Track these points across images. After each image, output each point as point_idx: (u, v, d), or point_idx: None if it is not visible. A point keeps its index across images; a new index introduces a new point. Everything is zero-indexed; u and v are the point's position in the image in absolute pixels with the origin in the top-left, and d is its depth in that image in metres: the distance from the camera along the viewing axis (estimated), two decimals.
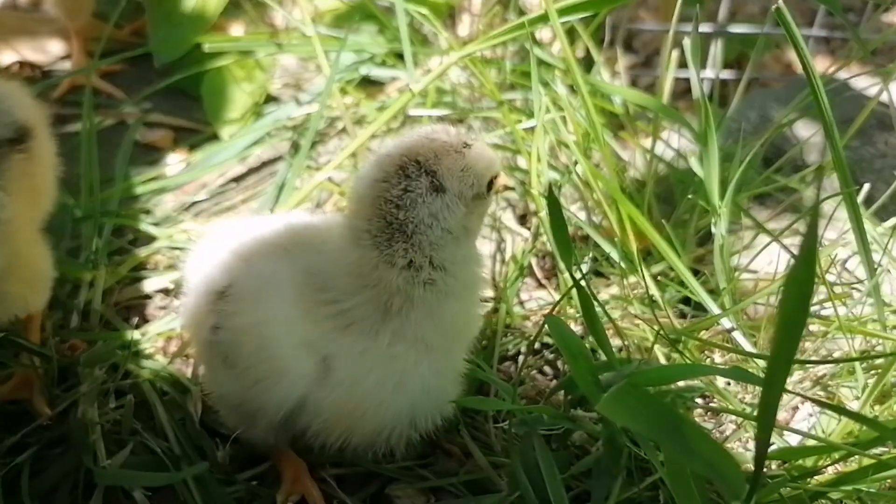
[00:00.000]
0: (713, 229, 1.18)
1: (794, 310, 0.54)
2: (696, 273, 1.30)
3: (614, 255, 1.26)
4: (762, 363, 1.07)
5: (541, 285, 1.40)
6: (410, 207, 0.90)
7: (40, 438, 1.08)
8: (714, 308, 1.13)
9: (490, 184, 0.97)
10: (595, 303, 0.96)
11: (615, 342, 1.24)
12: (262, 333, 0.95)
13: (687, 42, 1.22)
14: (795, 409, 1.15)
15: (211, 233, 1.14)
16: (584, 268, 1.32)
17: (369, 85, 1.73)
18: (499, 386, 1.13)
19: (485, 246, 1.46)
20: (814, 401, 0.98)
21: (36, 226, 1.15)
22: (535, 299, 1.38)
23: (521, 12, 1.69)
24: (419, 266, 0.92)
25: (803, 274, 0.52)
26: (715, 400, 1.15)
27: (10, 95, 1.11)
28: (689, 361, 1.11)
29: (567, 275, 1.23)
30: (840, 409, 0.91)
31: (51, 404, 1.11)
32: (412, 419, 0.98)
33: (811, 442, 1.00)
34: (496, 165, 0.98)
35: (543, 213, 1.23)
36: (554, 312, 1.27)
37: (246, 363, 0.95)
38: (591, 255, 1.35)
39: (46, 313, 1.20)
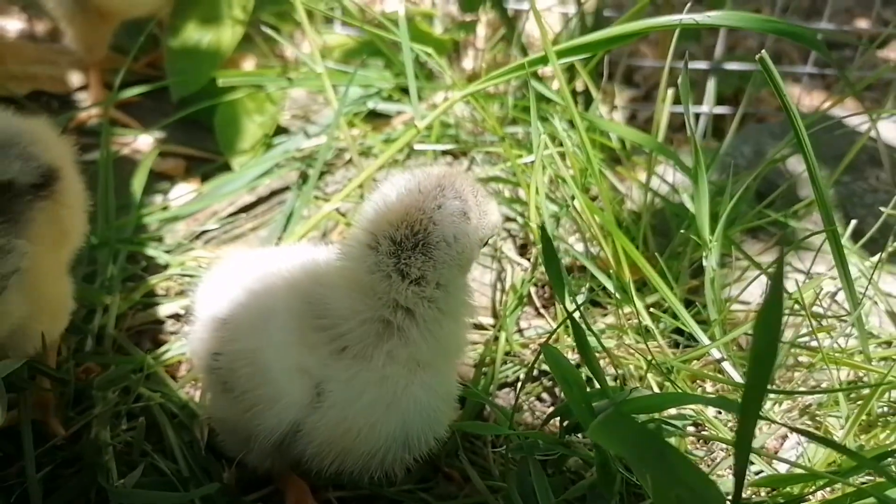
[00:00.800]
0: (704, 262, 1.22)
1: (765, 343, 0.58)
2: (689, 304, 1.34)
3: (610, 286, 1.30)
4: None
5: (539, 314, 1.44)
6: (440, 223, 0.94)
7: (54, 458, 1.11)
8: (704, 339, 1.17)
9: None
10: (589, 332, 1.01)
11: (611, 370, 1.28)
12: (257, 359, 0.98)
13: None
14: (784, 437, 1.18)
15: (220, 263, 1.18)
16: (581, 298, 1.36)
17: (376, 118, 1.78)
18: (496, 412, 1.17)
19: (485, 275, 1.50)
20: (798, 430, 1.01)
21: (63, 265, 1.14)
22: (534, 327, 1.42)
23: (524, 48, 1.74)
24: (427, 282, 0.95)
25: (772, 310, 0.56)
26: (707, 428, 1.19)
27: (36, 135, 1.08)
28: (679, 390, 1.15)
29: (562, 307, 1.27)
30: (822, 439, 0.95)
31: (65, 426, 1.14)
32: (405, 440, 0.99)
33: (798, 471, 1.04)
34: (498, 227, 1.03)
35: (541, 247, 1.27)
36: (551, 341, 1.31)
37: (242, 388, 0.98)
38: (587, 285, 1.39)
39: (63, 336, 1.24)
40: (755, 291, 1.34)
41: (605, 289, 1.38)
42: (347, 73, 1.73)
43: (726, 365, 1.13)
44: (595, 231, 1.27)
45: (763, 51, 1.00)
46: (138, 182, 1.58)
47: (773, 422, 1.09)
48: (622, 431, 0.75)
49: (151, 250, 1.46)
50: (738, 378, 1.14)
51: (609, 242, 1.29)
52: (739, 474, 0.70)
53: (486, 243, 1.01)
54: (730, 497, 0.80)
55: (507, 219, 1.58)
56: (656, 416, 1.07)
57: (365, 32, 1.77)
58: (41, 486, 1.07)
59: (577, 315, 0.99)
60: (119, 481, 1.04)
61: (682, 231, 1.28)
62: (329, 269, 1.02)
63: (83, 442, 1.13)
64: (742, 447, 0.67)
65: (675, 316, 1.31)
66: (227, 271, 1.12)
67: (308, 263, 1.06)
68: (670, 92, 1.44)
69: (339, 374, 0.97)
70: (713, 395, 1.18)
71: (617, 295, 1.29)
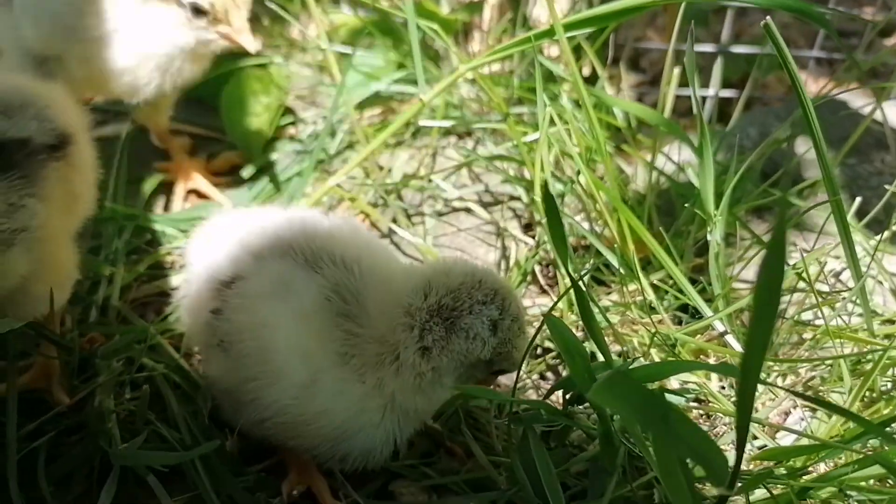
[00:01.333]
0: (709, 237, 1.22)
1: (768, 294, 0.58)
2: (693, 282, 1.34)
3: (614, 261, 1.30)
4: None
5: (543, 292, 1.44)
6: (477, 315, 0.99)
7: (57, 426, 1.12)
8: (707, 311, 1.17)
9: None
10: (593, 305, 1.00)
11: (614, 348, 1.28)
12: (265, 336, 0.99)
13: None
14: (787, 413, 1.18)
15: (214, 220, 1.18)
16: (585, 276, 1.36)
17: (381, 98, 1.78)
18: (493, 397, 1.17)
19: (490, 253, 1.50)
20: (801, 395, 1.01)
21: (70, 232, 1.16)
22: (538, 305, 1.42)
23: (530, 29, 1.73)
24: (430, 357, 0.99)
25: (775, 260, 0.56)
26: (710, 402, 1.19)
27: (52, 99, 1.11)
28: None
29: (566, 281, 1.27)
30: (826, 404, 0.95)
31: (70, 394, 1.15)
32: (367, 455, 1.04)
33: (803, 442, 1.04)
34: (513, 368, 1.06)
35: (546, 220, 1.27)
36: (554, 307, 1.31)
37: (242, 357, 1.00)
38: (591, 261, 1.39)
39: (66, 308, 1.25)
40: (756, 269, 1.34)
41: (608, 266, 1.38)
42: (353, 55, 1.74)
43: (729, 338, 1.13)
44: (601, 206, 1.26)
45: (768, 17, 0.99)
46: (146, 159, 1.58)
47: (776, 387, 1.09)
48: (624, 392, 0.74)
49: (156, 224, 1.46)
50: (740, 349, 1.14)
51: (614, 218, 1.29)
52: (742, 432, 0.70)
53: (492, 371, 1.06)
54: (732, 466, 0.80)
55: (512, 197, 1.58)
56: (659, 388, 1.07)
57: (372, 12, 1.77)
58: (45, 452, 1.08)
59: (580, 286, 0.98)
60: (122, 446, 1.04)
61: (686, 205, 1.28)
62: (371, 263, 1.05)
63: (87, 410, 1.13)
64: (743, 403, 0.67)
65: (679, 293, 1.31)
66: (224, 229, 1.13)
67: (331, 242, 1.07)
68: (676, 71, 1.44)
69: (334, 376, 1.00)
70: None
71: (621, 270, 1.28)
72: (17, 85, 1.11)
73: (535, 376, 1.31)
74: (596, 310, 1.18)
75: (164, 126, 1.61)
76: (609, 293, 1.40)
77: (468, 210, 1.57)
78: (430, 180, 1.58)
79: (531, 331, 1.34)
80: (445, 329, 0.99)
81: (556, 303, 1.22)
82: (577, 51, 1.68)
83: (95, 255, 1.36)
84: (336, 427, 1.00)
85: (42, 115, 1.07)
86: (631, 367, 0.98)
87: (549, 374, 1.34)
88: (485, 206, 1.58)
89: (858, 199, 1.29)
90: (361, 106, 1.71)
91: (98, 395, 1.14)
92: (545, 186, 0.87)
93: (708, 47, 1.88)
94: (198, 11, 1.34)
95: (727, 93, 1.90)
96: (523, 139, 1.46)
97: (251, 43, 1.34)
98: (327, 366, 0.99)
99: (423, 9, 1.74)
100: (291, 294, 1.00)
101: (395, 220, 1.52)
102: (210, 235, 1.14)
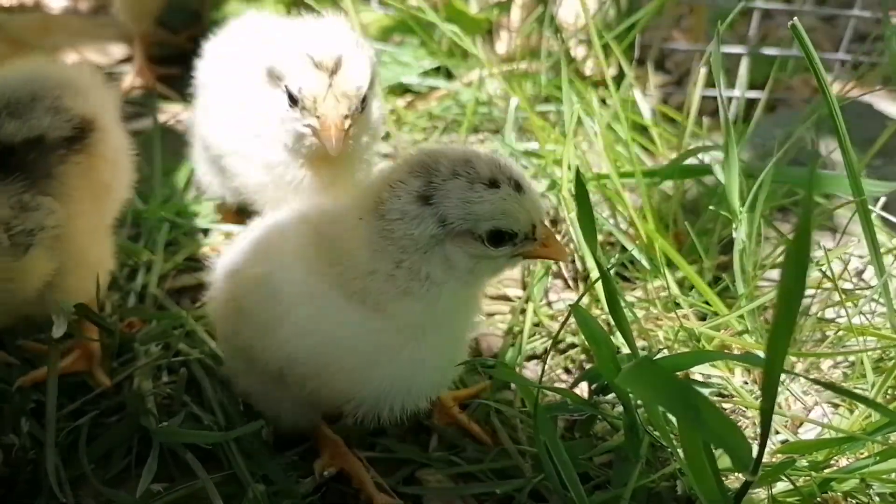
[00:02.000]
0: (734, 234, 1.24)
1: (793, 279, 0.60)
2: (718, 280, 1.36)
3: (639, 257, 1.32)
4: None
5: (568, 286, 1.47)
6: (394, 199, 0.93)
7: (98, 406, 1.16)
8: (724, 310, 1.18)
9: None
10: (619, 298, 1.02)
11: (639, 343, 1.30)
12: (269, 282, 1.00)
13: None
14: (809, 410, 1.19)
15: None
16: (611, 271, 1.38)
17: (410, 93, 1.81)
18: (519, 381, 1.18)
19: None
20: (823, 384, 1.02)
21: (104, 223, 1.12)
22: (563, 300, 1.44)
23: (557, 28, 1.76)
24: (391, 254, 0.95)
25: (801, 245, 0.58)
26: (733, 398, 1.21)
27: (70, 85, 1.05)
28: None
29: (593, 274, 1.29)
30: (850, 393, 0.96)
31: (109, 376, 1.18)
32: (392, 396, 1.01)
33: (827, 434, 1.05)
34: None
35: (573, 215, 1.30)
36: (581, 299, 1.33)
37: (251, 310, 1.01)
38: (616, 256, 1.41)
39: (106, 294, 1.28)
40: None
41: (633, 263, 1.40)
42: (384, 50, 1.77)
43: (746, 336, 1.15)
44: (626, 204, 1.28)
45: (795, 18, 1.01)
46: (181, 152, 1.62)
47: (800, 375, 1.10)
48: (651, 379, 0.77)
49: (194, 217, 1.50)
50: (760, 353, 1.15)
51: (640, 216, 1.31)
52: (766, 417, 0.72)
53: (515, 254, 0.98)
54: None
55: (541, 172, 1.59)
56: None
57: (401, 10, 1.80)
58: (86, 431, 1.12)
59: (608, 276, 1.00)
60: (162, 425, 1.07)
61: (710, 207, 1.29)
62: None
63: (126, 392, 1.17)
64: (769, 389, 0.70)
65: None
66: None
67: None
68: (703, 72, 1.46)
69: (338, 310, 0.98)
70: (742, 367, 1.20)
71: (646, 266, 1.30)
72: (29, 76, 1.05)
73: (559, 371, 1.34)
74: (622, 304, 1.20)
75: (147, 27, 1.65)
76: (633, 289, 1.42)
77: None
78: None
79: (556, 325, 1.38)
80: (382, 224, 0.93)
81: (582, 294, 1.25)
82: (605, 49, 1.71)
83: (135, 244, 1.40)
84: (349, 356, 0.98)
85: (57, 106, 1.02)
86: (656, 357, 0.99)
87: (572, 369, 1.36)
88: None
89: (883, 199, 1.30)
90: (388, 99, 1.74)
91: (137, 377, 1.18)
92: (577, 175, 0.88)
93: (734, 49, 1.89)
94: (292, 99, 1.14)
95: (753, 94, 1.91)
96: (549, 137, 1.48)
97: (332, 142, 1.10)
98: (328, 298, 0.97)
99: (451, 8, 1.77)
100: (287, 239, 1.02)
101: None
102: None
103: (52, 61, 1.10)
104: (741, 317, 1.20)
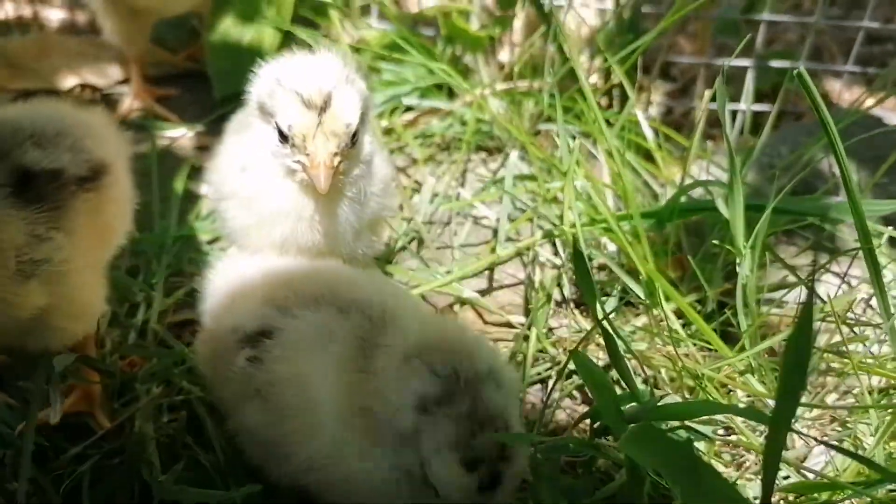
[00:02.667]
0: (738, 268, 1.22)
1: (793, 373, 0.59)
2: (722, 306, 1.34)
3: (639, 291, 1.31)
4: None
5: (573, 311, 1.46)
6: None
7: (100, 449, 1.15)
8: (727, 352, 1.18)
9: None
10: (619, 340, 1.02)
11: (642, 371, 1.29)
12: (306, 385, 0.96)
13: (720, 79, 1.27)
14: (811, 448, 1.19)
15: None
16: (612, 302, 1.38)
17: (410, 111, 1.80)
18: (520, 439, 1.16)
19: (519, 271, 1.51)
20: (826, 444, 1.02)
21: (100, 264, 1.14)
22: (564, 326, 1.44)
23: (560, 44, 1.74)
24: None
25: (801, 340, 0.57)
26: (736, 432, 1.20)
27: (91, 128, 1.09)
28: (710, 397, 1.16)
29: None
30: (849, 453, 0.95)
31: (111, 418, 1.18)
32: None
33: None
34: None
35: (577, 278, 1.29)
36: (583, 342, 1.32)
37: (283, 407, 0.97)
38: (619, 287, 1.40)
39: (106, 330, 1.28)
40: (792, 295, 1.35)
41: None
42: (383, 68, 1.75)
43: (752, 380, 1.14)
44: (626, 247, 1.27)
45: (801, 67, 0.99)
46: (181, 177, 1.61)
47: (801, 434, 1.10)
48: (653, 444, 0.76)
49: (195, 247, 1.49)
50: (764, 390, 1.15)
51: (638, 247, 1.30)
52: (767, 487, 0.71)
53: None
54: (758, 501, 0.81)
55: (540, 213, 1.58)
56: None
57: (401, 26, 1.79)
58: (89, 476, 1.12)
59: (607, 323, 1.00)
60: (162, 476, 1.07)
61: (715, 242, 1.28)
62: None
63: (127, 435, 1.16)
64: (770, 466, 0.69)
65: (708, 318, 1.32)
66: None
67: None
68: (707, 94, 1.44)
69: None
70: (744, 402, 1.19)
71: (646, 301, 1.29)
72: (54, 114, 1.10)
73: (562, 396, 1.33)
74: (621, 341, 1.20)
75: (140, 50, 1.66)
76: (638, 315, 1.42)
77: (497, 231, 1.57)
78: (458, 195, 1.60)
79: (559, 351, 1.37)
80: None
81: (582, 340, 1.23)
82: (607, 70, 1.69)
83: (134, 276, 1.39)
84: (359, 490, 0.95)
85: (77, 146, 1.06)
86: (659, 404, 0.99)
87: (575, 394, 1.35)
88: (511, 220, 1.59)
89: (891, 229, 1.28)
90: (388, 118, 1.73)
91: (137, 419, 1.17)
92: (575, 244, 0.88)
93: (740, 61, 1.87)
94: (282, 135, 1.12)
95: (758, 107, 1.89)
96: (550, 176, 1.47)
97: (321, 181, 1.08)
98: (355, 423, 0.93)
99: (452, 26, 1.75)
100: (331, 343, 0.98)
101: (420, 241, 1.53)
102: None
103: (77, 105, 1.14)
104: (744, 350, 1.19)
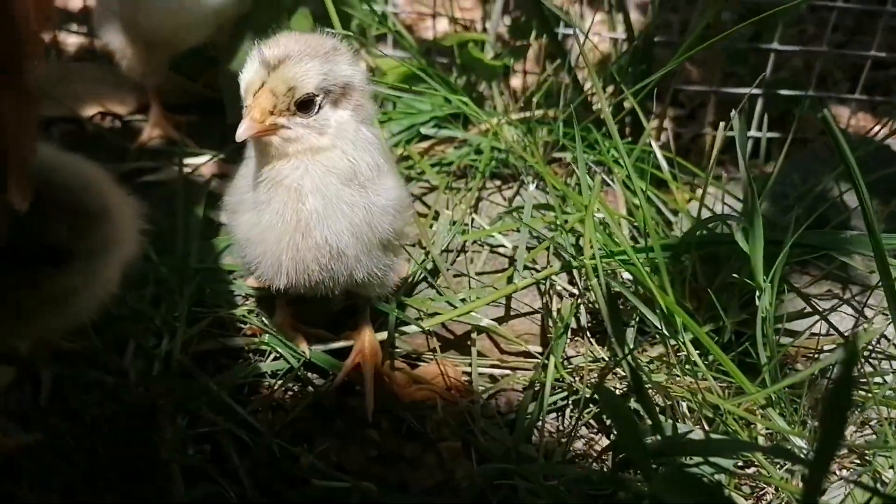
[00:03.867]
0: (757, 302, 1.24)
1: (831, 431, 0.60)
2: (739, 336, 1.36)
3: (656, 322, 1.33)
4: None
5: (590, 341, 1.47)
6: None
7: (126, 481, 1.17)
8: (750, 388, 1.19)
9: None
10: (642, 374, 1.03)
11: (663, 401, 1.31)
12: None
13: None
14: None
15: None
16: (631, 332, 1.39)
17: (427, 139, 1.81)
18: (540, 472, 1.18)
19: (536, 301, 1.53)
20: (843, 479, 1.04)
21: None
22: (582, 355, 1.45)
23: (571, 69, 1.76)
24: None
25: (841, 397, 0.59)
26: (756, 464, 1.22)
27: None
28: (730, 429, 1.17)
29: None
30: (866, 487, 0.97)
31: (132, 449, 1.20)
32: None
33: None
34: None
35: (594, 282, 1.30)
36: (603, 375, 1.34)
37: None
38: (636, 317, 1.41)
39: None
40: (805, 322, 1.37)
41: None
42: (399, 96, 1.77)
43: (774, 414, 1.16)
44: (646, 280, 1.29)
45: (826, 111, 1.01)
46: (200, 205, 1.62)
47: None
48: (685, 487, 0.77)
49: (217, 276, 1.50)
50: (786, 425, 1.16)
51: (656, 278, 1.31)
52: None
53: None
54: None
55: (558, 243, 1.60)
56: None
57: (414, 56, 1.81)
58: None
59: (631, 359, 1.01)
60: None
61: (734, 275, 1.30)
62: None
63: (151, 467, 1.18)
64: None
65: (725, 347, 1.33)
66: None
67: None
68: (716, 118, 1.46)
69: None
70: (763, 434, 1.20)
71: (665, 332, 1.31)
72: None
73: (579, 425, 1.34)
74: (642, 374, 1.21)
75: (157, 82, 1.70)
76: (654, 343, 1.43)
77: (513, 259, 1.58)
78: (472, 221, 1.61)
79: (577, 379, 1.38)
80: None
81: (605, 374, 1.24)
82: (619, 92, 1.71)
83: (156, 307, 1.41)
84: None
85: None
86: (682, 440, 1.00)
87: (592, 422, 1.37)
88: (528, 250, 1.60)
89: None
90: (403, 146, 1.75)
91: (162, 452, 1.19)
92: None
93: (749, 90, 1.89)
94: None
95: (769, 134, 1.91)
96: (564, 217, 1.48)
97: (240, 129, 1.16)
98: None
99: (468, 55, 1.77)
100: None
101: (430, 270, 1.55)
102: None
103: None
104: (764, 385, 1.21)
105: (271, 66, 1.14)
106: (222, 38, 1.80)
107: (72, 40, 2.13)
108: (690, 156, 2.02)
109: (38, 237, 0.99)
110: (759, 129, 1.90)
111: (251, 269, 1.28)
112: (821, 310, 1.35)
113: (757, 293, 1.23)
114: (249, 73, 1.17)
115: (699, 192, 1.52)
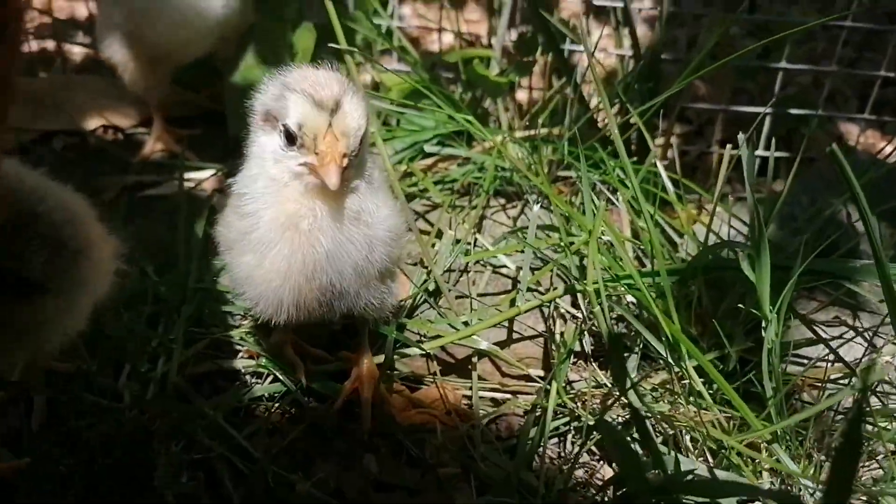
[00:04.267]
0: (763, 332, 1.22)
1: (842, 479, 0.58)
2: (745, 363, 1.34)
3: (660, 348, 1.30)
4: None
5: (594, 366, 1.45)
6: None
7: None
8: (756, 423, 1.17)
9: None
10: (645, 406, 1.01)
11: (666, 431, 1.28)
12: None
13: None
14: None
15: None
16: (634, 358, 1.37)
17: (430, 156, 1.80)
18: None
19: (539, 324, 1.51)
20: None
21: None
22: (583, 380, 1.43)
23: (577, 85, 1.74)
24: None
25: (850, 451, 0.57)
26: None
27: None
28: (733, 463, 1.15)
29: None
30: None
31: (128, 474, 1.18)
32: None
33: None
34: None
35: (596, 309, 1.28)
36: (607, 404, 1.32)
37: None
38: (640, 342, 1.39)
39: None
40: (811, 350, 1.35)
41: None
42: (402, 112, 1.75)
43: (779, 450, 1.13)
44: (652, 307, 1.27)
45: (834, 144, 0.99)
46: (201, 221, 1.61)
47: None
48: None
49: (215, 297, 1.48)
50: (792, 465, 1.14)
51: (664, 314, 1.29)
52: None
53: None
54: None
55: (562, 265, 1.58)
56: None
57: (418, 72, 1.79)
58: None
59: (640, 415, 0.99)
60: None
61: (740, 306, 1.28)
62: None
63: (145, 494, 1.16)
64: None
65: (729, 375, 1.31)
66: None
67: None
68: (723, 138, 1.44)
69: None
70: (767, 469, 1.18)
71: (670, 360, 1.29)
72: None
73: (580, 452, 1.32)
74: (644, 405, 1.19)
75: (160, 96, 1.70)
76: (658, 369, 1.41)
77: (516, 280, 1.56)
78: (475, 241, 1.59)
79: (579, 405, 1.36)
80: None
81: (607, 408, 1.22)
82: (625, 111, 1.69)
83: (153, 327, 1.39)
84: None
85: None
86: (686, 478, 0.98)
87: (593, 449, 1.34)
88: (532, 271, 1.58)
89: None
90: (406, 164, 1.73)
91: (156, 479, 1.17)
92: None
93: (756, 109, 1.87)
94: (290, 138, 1.13)
95: (777, 153, 1.88)
96: (569, 240, 1.46)
97: (332, 176, 1.08)
98: None
99: (473, 72, 1.75)
100: None
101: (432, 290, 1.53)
102: None
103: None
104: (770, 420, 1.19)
105: (330, 108, 1.10)
106: (226, 51, 1.79)
107: (77, 50, 2.12)
108: (697, 173, 2.01)
109: (14, 267, 0.97)
110: (767, 147, 1.87)
111: (249, 305, 1.26)
112: (828, 337, 1.32)
113: (763, 323, 1.21)
114: (310, 116, 1.10)
115: (705, 212, 1.50)
